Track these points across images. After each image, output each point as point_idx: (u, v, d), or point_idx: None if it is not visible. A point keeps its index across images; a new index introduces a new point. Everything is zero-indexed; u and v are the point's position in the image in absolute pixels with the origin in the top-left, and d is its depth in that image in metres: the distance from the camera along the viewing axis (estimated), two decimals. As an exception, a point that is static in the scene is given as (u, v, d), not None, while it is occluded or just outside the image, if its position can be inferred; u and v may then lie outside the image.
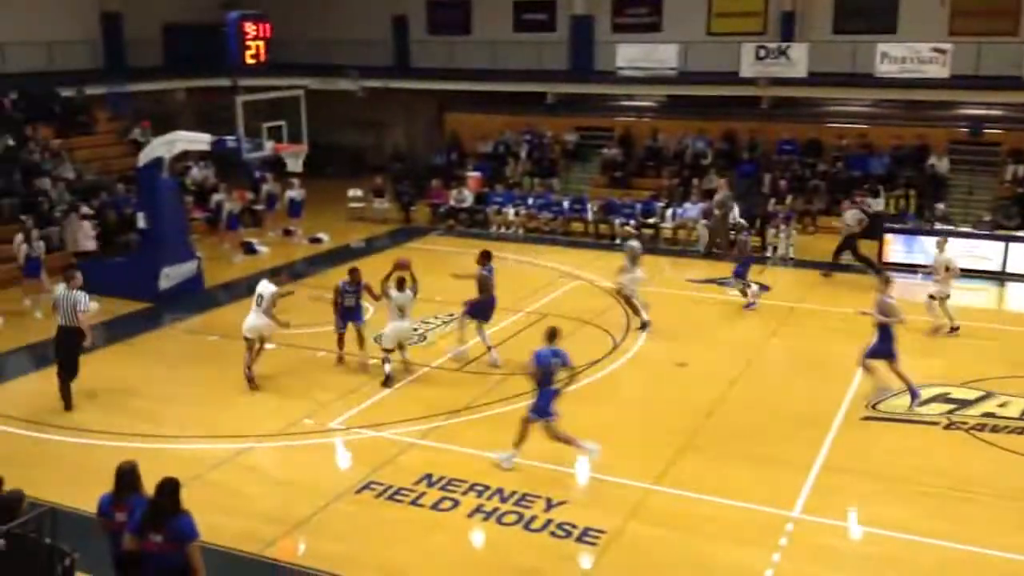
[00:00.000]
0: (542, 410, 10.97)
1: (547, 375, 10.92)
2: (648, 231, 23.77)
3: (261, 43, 16.92)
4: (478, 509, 10.38)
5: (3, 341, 16.06)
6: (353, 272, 14.59)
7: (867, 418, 12.88)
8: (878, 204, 23.55)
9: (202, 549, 7.42)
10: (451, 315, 15.66)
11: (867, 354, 13.15)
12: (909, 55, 25.33)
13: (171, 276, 18.59)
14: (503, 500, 10.53)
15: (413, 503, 10.53)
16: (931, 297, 16.36)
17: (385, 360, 14.01)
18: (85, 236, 20.41)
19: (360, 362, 14.62)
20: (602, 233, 24.01)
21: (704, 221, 22.84)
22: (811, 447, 11.87)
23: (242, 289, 14.34)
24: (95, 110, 27.11)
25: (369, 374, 14.33)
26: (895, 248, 20.84)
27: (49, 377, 13.47)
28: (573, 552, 9.62)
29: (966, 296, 18.41)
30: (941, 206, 22.59)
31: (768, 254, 22.10)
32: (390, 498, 10.65)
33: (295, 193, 24.09)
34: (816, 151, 26.34)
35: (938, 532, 9.89)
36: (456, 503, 10.51)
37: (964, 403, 13.33)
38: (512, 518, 10.19)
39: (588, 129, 29.72)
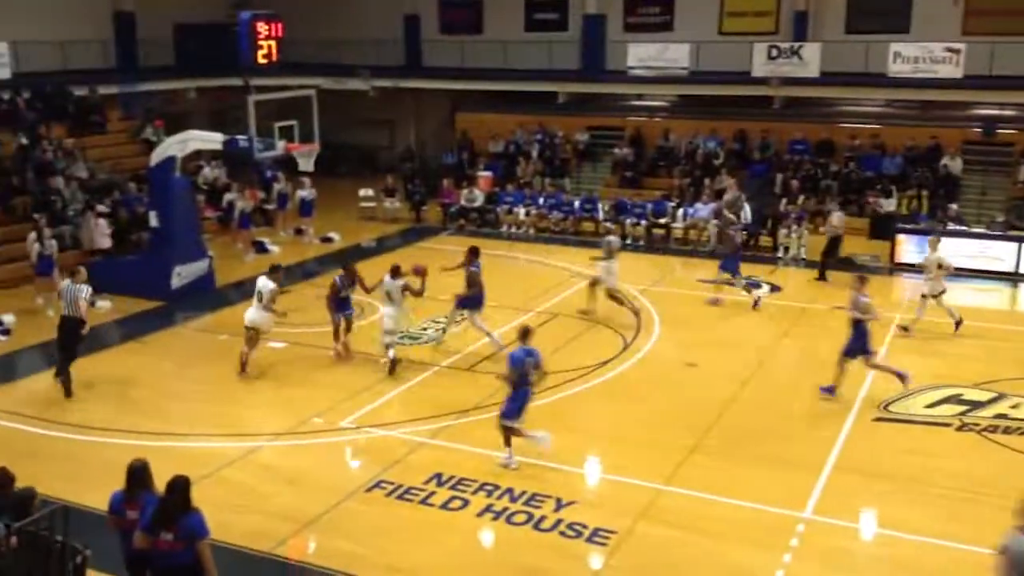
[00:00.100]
0: (514, 412, 11.05)
1: (522, 376, 10.99)
2: (659, 231, 23.74)
3: (273, 43, 16.92)
4: (488, 509, 10.38)
5: (15, 339, 16.18)
6: (348, 266, 15.23)
7: (878, 419, 12.84)
8: (890, 205, 23.49)
9: (213, 547, 7.43)
10: (462, 315, 15.73)
11: (844, 352, 13.22)
12: (922, 55, 25.24)
13: (183, 275, 18.71)
14: (513, 500, 10.53)
15: (423, 502, 10.54)
16: (923, 296, 16.33)
17: (388, 346, 14.26)
18: (101, 234, 20.61)
19: (344, 343, 14.99)
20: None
21: (715, 221, 22.76)
22: (822, 448, 11.84)
23: (253, 288, 14.47)
24: (108, 109, 27.22)
25: (352, 360, 14.80)
26: (907, 249, 20.68)
27: (61, 375, 13.63)
28: (583, 552, 9.61)
29: (979, 297, 18.31)
30: (954, 207, 22.45)
31: (780, 254, 22.05)
32: (400, 497, 10.66)
33: (306, 192, 24.13)
34: (828, 151, 26.22)
35: (950, 534, 9.83)
36: (466, 503, 10.51)
37: (976, 404, 13.27)
38: (522, 518, 10.19)
39: (599, 129, 29.66)
